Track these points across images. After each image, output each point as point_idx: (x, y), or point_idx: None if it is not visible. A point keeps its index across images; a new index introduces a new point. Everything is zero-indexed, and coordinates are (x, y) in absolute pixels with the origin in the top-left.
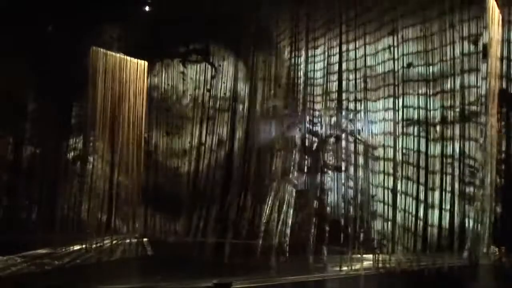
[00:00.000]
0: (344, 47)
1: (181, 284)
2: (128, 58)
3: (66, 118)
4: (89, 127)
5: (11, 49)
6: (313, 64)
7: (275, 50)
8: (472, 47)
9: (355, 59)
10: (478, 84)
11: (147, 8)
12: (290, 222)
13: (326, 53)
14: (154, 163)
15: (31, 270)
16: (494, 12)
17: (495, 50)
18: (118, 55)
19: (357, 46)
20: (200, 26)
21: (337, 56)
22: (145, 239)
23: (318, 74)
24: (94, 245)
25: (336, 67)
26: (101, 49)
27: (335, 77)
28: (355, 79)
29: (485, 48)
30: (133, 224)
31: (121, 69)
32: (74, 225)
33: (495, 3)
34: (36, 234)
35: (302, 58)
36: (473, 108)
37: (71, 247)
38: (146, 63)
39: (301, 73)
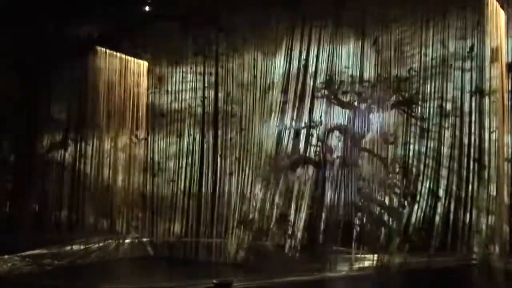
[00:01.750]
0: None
1: (181, 284)
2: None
3: (67, 120)
4: (90, 128)
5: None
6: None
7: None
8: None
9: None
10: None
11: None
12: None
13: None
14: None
15: (31, 270)
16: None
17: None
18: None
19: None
20: None
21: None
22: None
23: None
24: (94, 245)
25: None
26: (102, 48)
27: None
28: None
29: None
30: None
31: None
32: (74, 225)
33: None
34: (35, 234)
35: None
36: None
37: (71, 247)
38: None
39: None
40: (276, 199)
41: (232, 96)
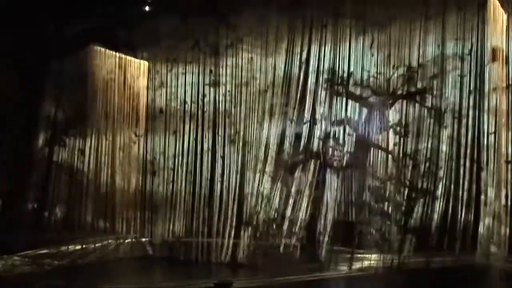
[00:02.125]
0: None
1: (181, 284)
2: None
3: (66, 119)
4: (90, 127)
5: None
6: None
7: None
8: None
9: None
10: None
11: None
12: (291, 220)
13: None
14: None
15: (31, 270)
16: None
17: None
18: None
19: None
20: None
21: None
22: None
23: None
24: (94, 245)
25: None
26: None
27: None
28: None
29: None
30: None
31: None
32: (74, 225)
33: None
34: (35, 234)
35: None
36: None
37: (71, 247)
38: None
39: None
40: (283, 198)
41: (236, 92)
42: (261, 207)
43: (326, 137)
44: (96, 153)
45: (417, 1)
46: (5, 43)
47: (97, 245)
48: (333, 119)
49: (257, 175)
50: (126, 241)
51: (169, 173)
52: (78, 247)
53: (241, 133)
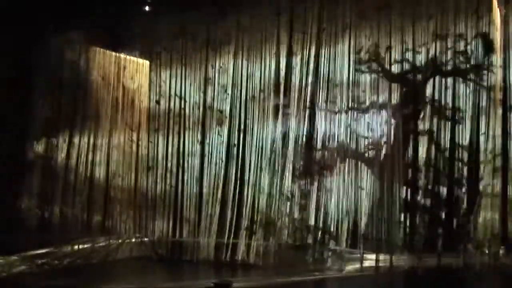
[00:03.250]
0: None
1: (181, 284)
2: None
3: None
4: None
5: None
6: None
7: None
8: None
9: None
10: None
11: None
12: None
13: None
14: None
15: (31, 270)
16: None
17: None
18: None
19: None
20: None
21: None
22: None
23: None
24: (93, 245)
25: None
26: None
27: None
28: None
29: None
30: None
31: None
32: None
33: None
34: (35, 234)
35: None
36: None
37: (71, 247)
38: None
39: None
40: (299, 198)
41: (239, 91)
42: (266, 207)
43: (353, 124)
44: (95, 152)
45: None
46: (5, 43)
47: (96, 245)
48: (362, 104)
49: (265, 175)
50: (126, 241)
51: (168, 173)
52: (78, 247)
53: (244, 132)
